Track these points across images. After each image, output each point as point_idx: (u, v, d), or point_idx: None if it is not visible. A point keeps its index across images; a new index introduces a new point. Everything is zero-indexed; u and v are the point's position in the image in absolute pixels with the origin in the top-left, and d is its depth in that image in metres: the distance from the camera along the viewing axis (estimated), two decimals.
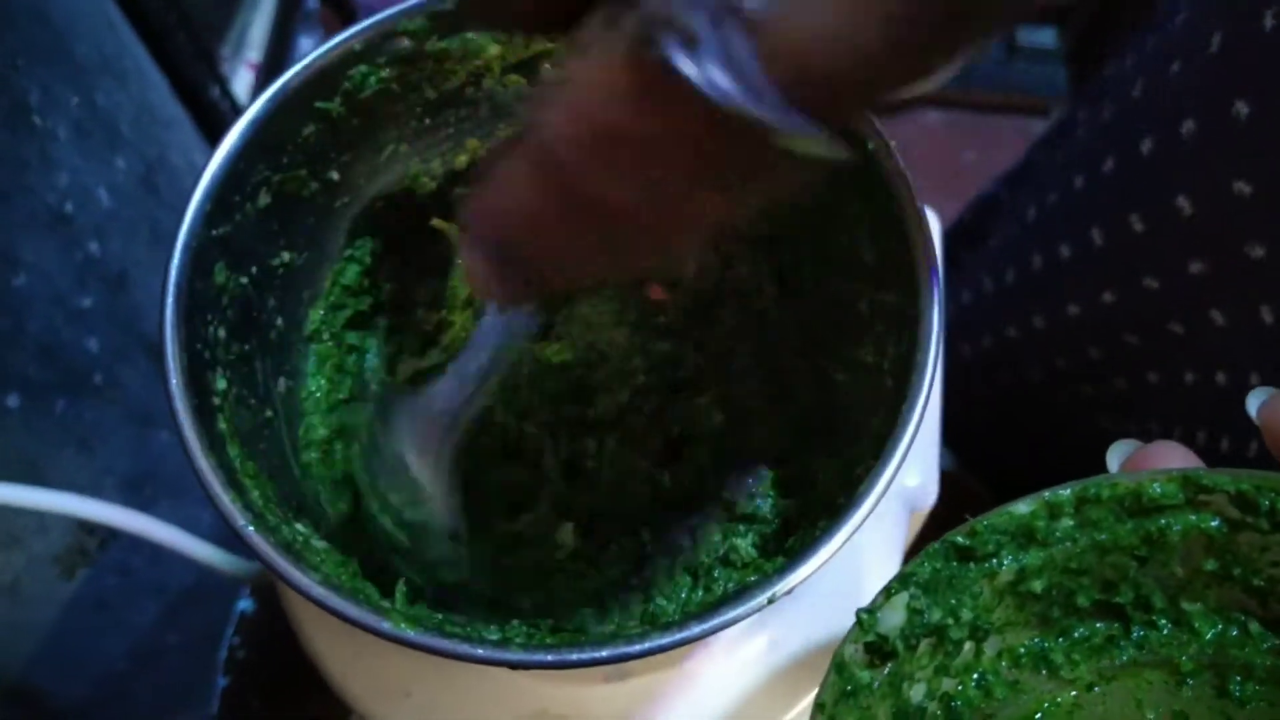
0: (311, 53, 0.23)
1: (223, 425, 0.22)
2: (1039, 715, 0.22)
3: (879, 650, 0.21)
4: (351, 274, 0.28)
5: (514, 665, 0.19)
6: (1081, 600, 0.22)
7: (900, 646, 0.21)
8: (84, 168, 0.56)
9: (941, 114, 1.06)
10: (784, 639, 0.32)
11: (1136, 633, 0.22)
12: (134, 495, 0.61)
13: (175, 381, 0.20)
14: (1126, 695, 0.22)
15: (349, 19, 1.01)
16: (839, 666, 0.21)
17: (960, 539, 0.21)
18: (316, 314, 0.28)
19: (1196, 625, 0.22)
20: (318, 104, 0.24)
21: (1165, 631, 0.22)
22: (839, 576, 0.33)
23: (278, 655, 0.59)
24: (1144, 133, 0.37)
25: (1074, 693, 0.22)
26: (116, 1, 0.63)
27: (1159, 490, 0.21)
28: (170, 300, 0.21)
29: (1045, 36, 1.05)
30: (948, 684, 0.22)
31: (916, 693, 0.22)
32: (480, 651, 0.19)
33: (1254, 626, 0.21)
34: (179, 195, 0.66)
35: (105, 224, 0.57)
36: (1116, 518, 0.21)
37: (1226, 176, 0.33)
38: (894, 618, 0.21)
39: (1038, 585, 0.22)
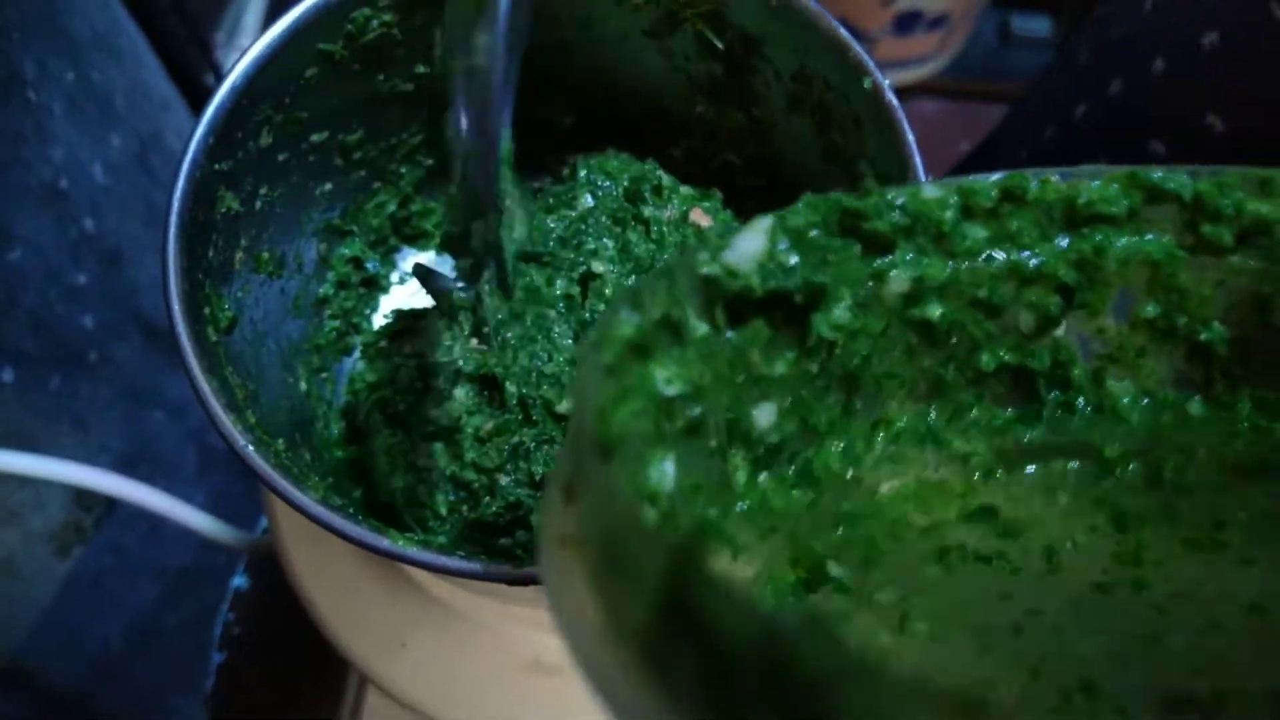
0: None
1: (222, 352, 0.22)
2: (914, 511, 0.17)
3: (727, 298, 0.15)
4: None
5: (511, 580, 0.19)
6: (986, 360, 0.17)
7: (751, 302, 0.15)
8: (79, 143, 0.56)
9: (936, 103, 1.07)
10: None
11: (1050, 414, 0.18)
12: (128, 473, 0.61)
13: (177, 308, 0.21)
14: (1034, 484, 0.17)
15: None
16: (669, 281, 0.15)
17: (850, 200, 0.16)
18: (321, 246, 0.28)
19: (1122, 411, 0.17)
20: (320, 45, 0.25)
21: (1085, 414, 0.17)
22: None
23: (272, 630, 0.59)
24: (1115, 74, 0.36)
25: (971, 476, 0.17)
26: None
27: (1097, 192, 0.16)
28: (173, 229, 0.21)
29: (1040, 25, 1.06)
30: (801, 445, 0.17)
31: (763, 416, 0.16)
32: (478, 567, 0.19)
33: (1194, 406, 0.17)
34: (175, 175, 0.66)
35: (100, 200, 0.58)
36: (1044, 231, 0.17)
37: (1198, 111, 0.31)
38: (752, 245, 0.15)
39: (936, 311, 0.17)
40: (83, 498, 0.58)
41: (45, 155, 0.53)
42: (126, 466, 0.61)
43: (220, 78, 0.70)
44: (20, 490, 0.53)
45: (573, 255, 0.26)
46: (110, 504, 0.61)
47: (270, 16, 0.96)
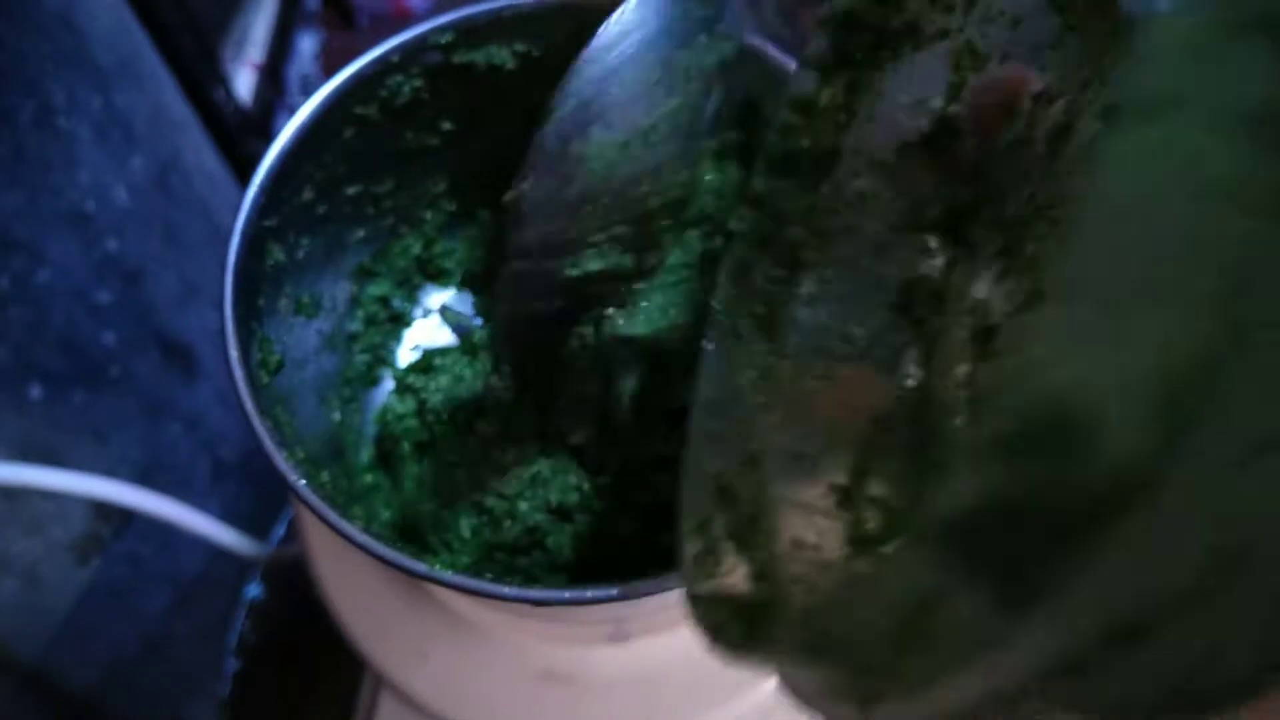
0: (355, 63, 0.26)
1: (273, 393, 0.24)
2: None
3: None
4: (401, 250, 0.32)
5: (536, 602, 0.22)
6: None
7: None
8: (104, 167, 0.58)
9: None
10: None
11: None
12: (146, 485, 0.64)
13: (235, 355, 0.23)
14: None
15: (348, 18, 1.04)
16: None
17: None
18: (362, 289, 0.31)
19: None
20: (357, 110, 0.27)
21: None
22: None
23: (286, 639, 0.61)
24: None
25: None
26: (130, 3, 0.65)
27: None
28: (230, 284, 0.24)
29: None
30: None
31: None
32: (506, 590, 0.21)
33: None
34: (191, 194, 0.68)
35: (123, 222, 0.60)
36: None
37: None
38: None
39: None
40: (102, 509, 0.60)
41: (73, 180, 0.55)
42: (144, 478, 0.63)
43: (229, 93, 0.72)
44: (44, 502, 0.55)
45: None
46: (128, 514, 0.63)
47: (277, 31, 0.99)
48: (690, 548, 0.17)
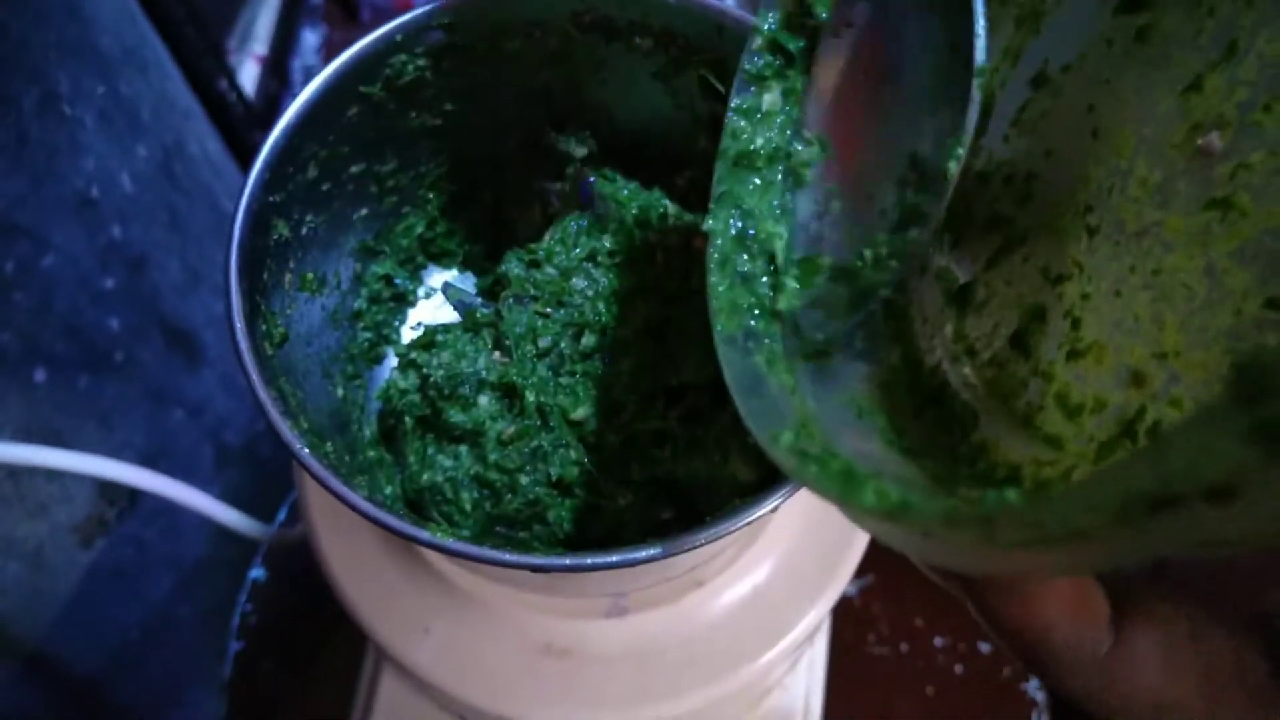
0: (360, 41, 0.26)
1: (276, 365, 0.25)
2: None
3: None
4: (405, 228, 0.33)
5: (535, 569, 0.22)
6: None
7: None
8: (108, 154, 0.59)
9: None
10: (768, 587, 0.36)
11: None
12: (150, 469, 0.64)
13: (240, 326, 0.23)
14: None
15: (351, 12, 1.04)
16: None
17: None
18: (362, 266, 0.31)
19: None
20: (362, 88, 0.28)
21: None
22: (822, 528, 0.37)
23: (289, 620, 0.62)
24: None
25: None
26: None
27: None
28: (234, 257, 0.24)
29: None
30: None
31: None
32: (508, 556, 0.22)
33: None
34: (195, 182, 0.69)
35: (127, 208, 0.60)
36: None
37: None
38: None
39: None
40: (107, 491, 0.61)
41: (78, 167, 0.55)
42: (148, 463, 0.63)
43: (233, 84, 0.72)
44: (48, 485, 0.56)
45: (584, 281, 0.29)
46: (132, 497, 0.63)
47: (281, 24, 0.99)
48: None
